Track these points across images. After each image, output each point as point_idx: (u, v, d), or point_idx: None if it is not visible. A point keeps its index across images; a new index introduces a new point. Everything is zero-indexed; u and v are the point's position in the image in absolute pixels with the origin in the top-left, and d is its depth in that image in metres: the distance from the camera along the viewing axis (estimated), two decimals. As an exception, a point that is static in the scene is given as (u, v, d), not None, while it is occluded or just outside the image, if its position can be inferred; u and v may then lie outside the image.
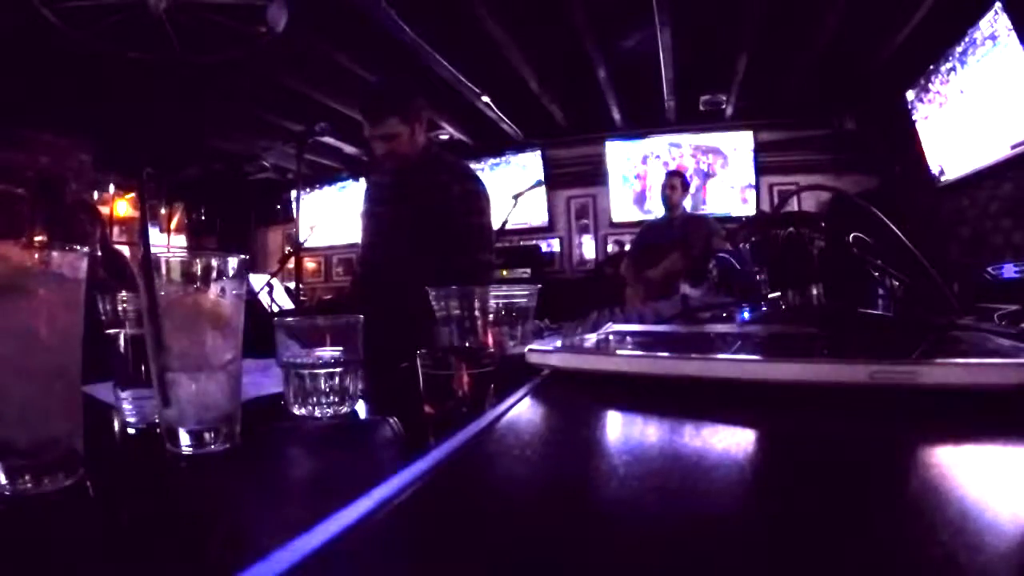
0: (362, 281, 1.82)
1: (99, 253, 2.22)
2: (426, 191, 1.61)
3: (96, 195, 4.47)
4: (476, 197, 1.64)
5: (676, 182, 3.12)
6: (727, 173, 4.41)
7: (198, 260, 0.42)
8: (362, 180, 4.84)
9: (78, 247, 0.37)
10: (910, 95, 3.32)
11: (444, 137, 4.59)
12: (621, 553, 0.16)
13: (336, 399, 0.53)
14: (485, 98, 3.82)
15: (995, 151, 2.71)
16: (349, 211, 4.86)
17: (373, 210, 1.77)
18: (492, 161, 4.82)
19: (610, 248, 4.66)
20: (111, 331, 0.49)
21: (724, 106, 4.10)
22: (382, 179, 1.77)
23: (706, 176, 4.42)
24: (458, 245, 1.58)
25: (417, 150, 1.63)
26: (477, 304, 0.60)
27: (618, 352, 0.43)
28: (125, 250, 4.55)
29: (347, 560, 0.16)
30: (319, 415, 0.53)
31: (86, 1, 2.15)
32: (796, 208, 3.27)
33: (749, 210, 4.29)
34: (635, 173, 4.62)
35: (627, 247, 3.71)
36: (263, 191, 5.62)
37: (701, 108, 4.13)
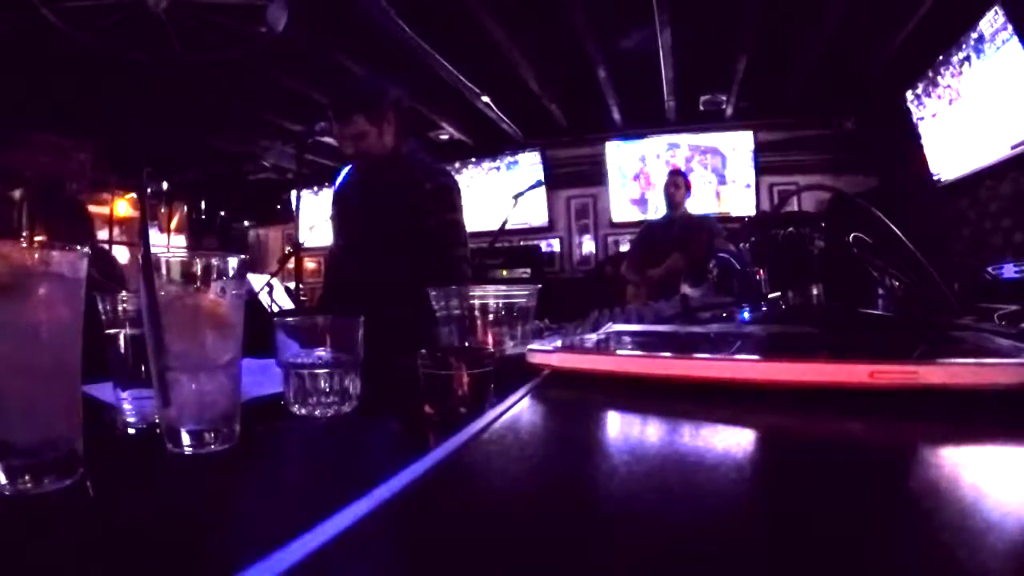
0: (336, 284, 1.80)
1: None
2: (398, 191, 1.59)
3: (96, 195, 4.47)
4: (449, 193, 1.62)
5: (679, 181, 3.12)
6: (707, 172, 4.43)
7: (198, 260, 0.42)
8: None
9: (78, 247, 0.37)
10: (910, 95, 3.32)
11: (444, 137, 4.59)
12: (621, 553, 0.16)
13: (336, 399, 0.53)
14: (485, 98, 3.82)
15: (995, 151, 2.71)
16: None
17: (344, 213, 1.75)
18: (505, 160, 4.83)
19: (610, 248, 4.67)
20: (111, 331, 0.49)
21: (724, 106, 4.10)
22: (352, 180, 1.75)
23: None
24: (434, 243, 1.57)
25: (387, 150, 1.61)
26: (477, 304, 0.60)
27: (618, 352, 0.43)
28: (124, 250, 4.56)
29: (347, 560, 0.16)
30: (319, 415, 0.53)
31: (86, 1, 2.15)
32: (796, 208, 3.28)
33: (735, 208, 4.30)
34: (635, 173, 4.62)
35: (624, 248, 3.71)
36: (263, 191, 5.62)
37: (701, 108, 4.13)
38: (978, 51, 2.70)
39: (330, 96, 1.68)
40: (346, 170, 1.83)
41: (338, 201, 1.79)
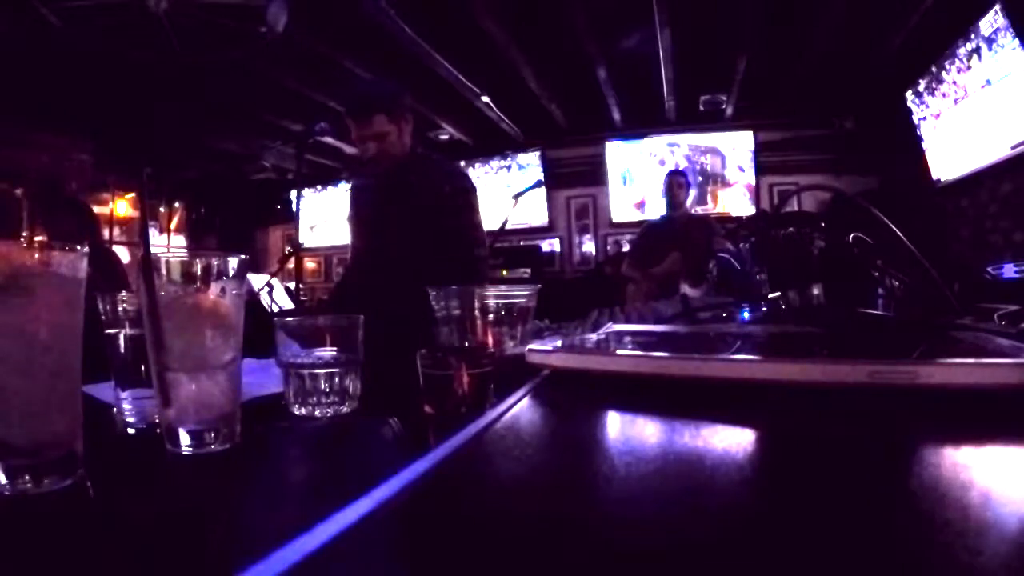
0: (355, 285, 1.81)
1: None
2: (417, 192, 1.61)
3: (96, 195, 4.48)
4: (467, 194, 1.65)
5: (680, 180, 3.12)
6: (707, 172, 4.43)
7: (198, 260, 0.42)
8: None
9: (78, 247, 0.37)
10: (910, 95, 3.32)
11: (444, 137, 4.59)
12: (621, 553, 0.16)
13: (336, 399, 0.53)
14: (485, 98, 3.82)
15: (995, 151, 2.71)
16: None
17: (362, 214, 1.76)
18: (507, 161, 4.83)
19: (610, 248, 4.67)
20: (111, 331, 0.49)
21: (724, 106, 4.10)
22: (368, 182, 1.77)
23: (705, 177, 4.43)
24: (454, 244, 1.59)
25: (405, 150, 1.63)
26: (477, 304, 0.60)
27: (618, 352, 0.43)
28: (124, 251, 4.56)
29: (347, 560, 0.16)
30: (319, 415, 0.53)
31: (86, 1, 2.14)
32: (796, 208, 3.27)
33: (735, 208, 4.31)
34: (635, 173, 4.62)
35: (625, 247, 3.70)
36: (263, 191, 5.62)
37: (701, 108, 4.13)
38: (978, 51, 2.70)
39: (346, 99, 1.70)
40: (364, 175, 1.84)
41: (355, 203, 1.80)
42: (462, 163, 4.69)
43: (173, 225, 5.46)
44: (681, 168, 4.07)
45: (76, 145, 4.00)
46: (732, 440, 0.28)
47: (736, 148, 4.38)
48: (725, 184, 4.42)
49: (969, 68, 2.80)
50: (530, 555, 0.16)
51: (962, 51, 2.81)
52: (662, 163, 4.42)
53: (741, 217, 4.20)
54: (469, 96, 3.75)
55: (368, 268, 1.73)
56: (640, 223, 3.88)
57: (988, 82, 2.68)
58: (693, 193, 3.40)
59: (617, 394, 0.36)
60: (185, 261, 0.42)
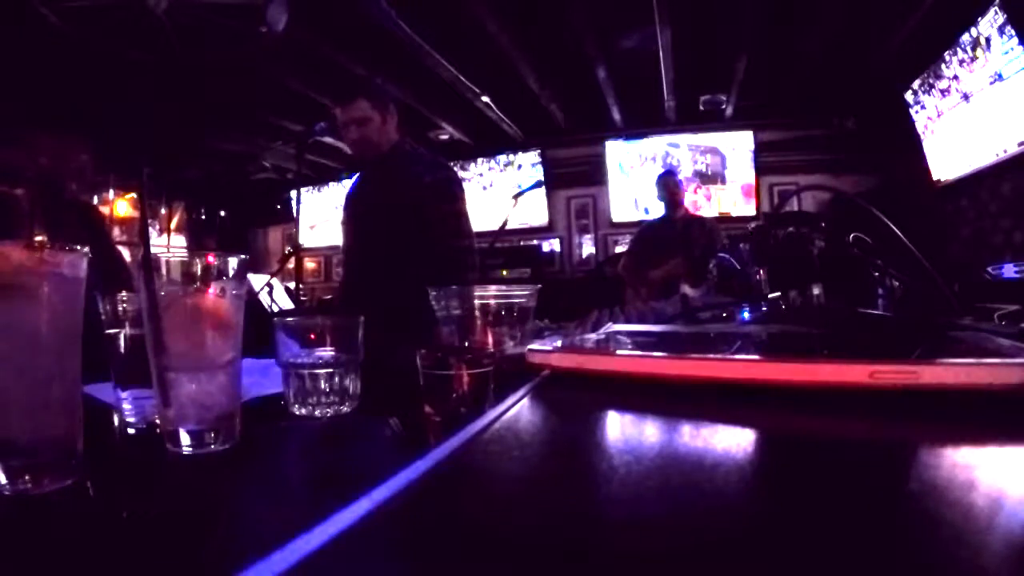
0: (350, 285, 1.83)
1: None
2: (401, 186, 1.64)
3: (96, 195, 4.47)
4: (448, 184, 1.68)
5: (676, 180, 3.13)
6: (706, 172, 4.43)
7: (198, 260, 0.42)
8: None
9: (78, 247, 0.37)
10: (910, 95, 3.32)
11: (444, 137, 4.59)
12: (621, 553, 0.16)
13: (336, 399, 0.53)
14: (485, 98, 3.82)
15: (995, 151, 2.71)
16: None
17: (352, 213, 1.80)
18: (505, 160, 4.84)
19: (610, 248, 4.67)
20: (111, 331, 0.49)
21: (724, 106, 4.10)
22: (359, 184, 1.82)
23: (705, 177, 4.43)
24: (436, 233, 1.61)
25: (389, 142, 1.67)
26: (477, 304, 0.60)
27: (618, 352, 0.43)
28: (124, 251, 4.56)
29: (347, 560, 0.16)
30: (319, 415, 0.53)
31: (86, 1, 2.14)
32: (796, 208, 3.27)
33: (734, 208, 4.32)
34: (635, 173, 4.62)
35: (619, 249, 3.70)
36: (263, 191, 5.63)
37: (701, 108, 4.13)
38: (978, 50, 2.70)
39: (332, 89, 1.74)
40: (355, 177, 1.90)
41: (348, 205, 1.84)
42: (462, 162, 4.70)
43: (173, 225, 5.45)
44: (679, 168, 4.08)
45: (76, 145, 3.99)
46: (732, 440, 0.28)
47: (736, 148, 4.37)
48: (725, 184, 4.42)
49: (969, 67, 2.79)
50: (529, 555, 0.16)
51: (962, 51, 2.81)
52: (664, 164, 4.41)
53: (745, 219, 4.20)
54: (469, 96, 3.75)
55: (359, 264, 1.75)
56: (640, 223, 3.88)
57: (988, 81, 2.67)
58: (688, 193, 3.39)
59: (617, 394, 0.36)
60: (185, 261, 0.42)
